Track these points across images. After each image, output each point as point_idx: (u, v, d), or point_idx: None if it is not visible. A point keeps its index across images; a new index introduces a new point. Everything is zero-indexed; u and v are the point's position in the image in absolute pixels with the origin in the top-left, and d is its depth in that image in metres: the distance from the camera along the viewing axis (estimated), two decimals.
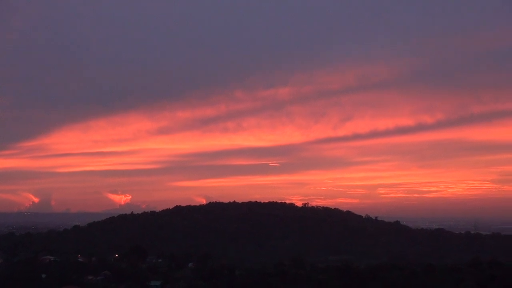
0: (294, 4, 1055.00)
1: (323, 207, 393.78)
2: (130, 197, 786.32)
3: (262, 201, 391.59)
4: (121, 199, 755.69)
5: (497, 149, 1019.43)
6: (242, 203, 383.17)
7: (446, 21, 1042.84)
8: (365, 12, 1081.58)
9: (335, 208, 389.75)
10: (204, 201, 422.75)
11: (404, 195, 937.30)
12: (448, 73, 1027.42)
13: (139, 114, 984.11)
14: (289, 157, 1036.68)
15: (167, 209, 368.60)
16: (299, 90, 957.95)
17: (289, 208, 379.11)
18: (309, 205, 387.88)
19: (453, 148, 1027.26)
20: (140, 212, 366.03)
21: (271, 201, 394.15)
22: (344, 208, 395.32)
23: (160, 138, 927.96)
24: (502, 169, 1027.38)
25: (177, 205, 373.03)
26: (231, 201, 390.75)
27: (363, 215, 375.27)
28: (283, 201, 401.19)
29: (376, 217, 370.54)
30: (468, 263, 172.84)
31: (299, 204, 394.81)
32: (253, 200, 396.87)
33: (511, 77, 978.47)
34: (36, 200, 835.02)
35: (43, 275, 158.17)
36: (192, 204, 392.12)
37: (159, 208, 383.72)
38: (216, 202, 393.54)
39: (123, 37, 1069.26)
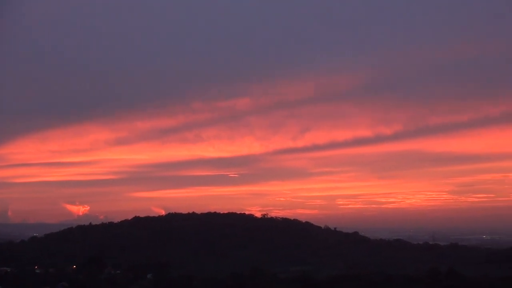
0: (253, 15, 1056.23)
1: (282, 218, 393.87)
2: (88, 208, 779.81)
3: (221, 212, 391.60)
4: (79, 210, 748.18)
5: (454, 160, 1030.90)
6: (201, 214, 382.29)
7: (403, 34, 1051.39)
8: (324, 25, 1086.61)
9: (294, 219, 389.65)
10: (163, 212, 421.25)
11: (363, 206, 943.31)
12: (405, 85, 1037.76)
13: (97, 124, 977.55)
14: (248, 168, 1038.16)
15: (125, 220, 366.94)
16: (258, 101, 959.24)
17: (248, 219, 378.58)
18: (268, 216, 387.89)
19: (411, 159, 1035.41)
20: (98, 223, 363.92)
21: (230, 212, 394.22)
22: (303, 219, 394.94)
23: (119, 148, 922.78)
24: (458, 180, 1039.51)
25: (135, 216, 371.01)
26: (190, 212, 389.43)
27: (322, 226, 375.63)
28: (242, 212, 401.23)
29: (335, 228, 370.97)
30: (426, 273, 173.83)
31: (258, 215, 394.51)
32: (212, 211, 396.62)
33: (466, 89, 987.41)
34: None
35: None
36: (151, 215, 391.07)
37: (117, 219, 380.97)
38: (175, 213, 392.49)
39: (81, 46, 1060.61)
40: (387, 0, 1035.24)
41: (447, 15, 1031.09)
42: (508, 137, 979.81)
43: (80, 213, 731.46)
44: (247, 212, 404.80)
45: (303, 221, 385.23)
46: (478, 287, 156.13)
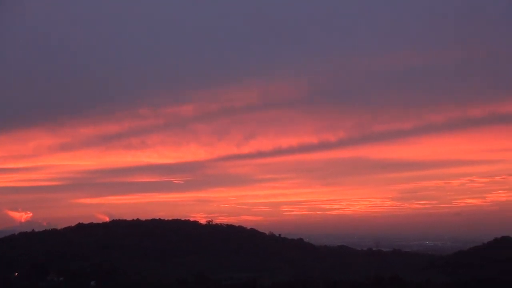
0: (199, 21, 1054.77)
1: (227, 224, 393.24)
2: (31, 214, 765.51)
3: (166, 219, 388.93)
4: (21, 217, 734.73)
5: (398, 167, 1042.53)
6: (146, 220, 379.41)
7: (348, 42, 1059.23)
8: (269, 31, 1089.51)
9: (239, 226, 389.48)
10: (107, 219, 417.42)
11: (308, 212, 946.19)
12: (349, 92, 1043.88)
13: (40, 130, 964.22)
14: (193, 174, 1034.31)
15: (69, 226, 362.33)
16: (203, 108, 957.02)
17: (193, 225, 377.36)
18: (213, 223, 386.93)
19: (355, 166, 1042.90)
20: (41, 230, 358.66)
21: (175, 218, 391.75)
22: (248, 225, 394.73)
23: (62, 154, 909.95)
24: (402, 187, 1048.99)
25: (79, 223, 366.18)
26: (135, 218, 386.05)
27: (267, 232, 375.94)
28: (187, 219, 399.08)
29: (280, 234, 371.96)
30: (370, 279, 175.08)
31: (203, 221, 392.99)
32: (156, 217, 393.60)
33: (410, 97, 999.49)
34: None
35: None
36: (95, 221, 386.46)
37: (61, 225, 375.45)
38: (119, 219, 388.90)
39: (23, 51, 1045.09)
40: (332, 8, 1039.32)
41: (392, 24, 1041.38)
42: (450, 144, 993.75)
43: (23, 220, 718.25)
44: (192, 219, 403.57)
45: (248, 228, 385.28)
46: None
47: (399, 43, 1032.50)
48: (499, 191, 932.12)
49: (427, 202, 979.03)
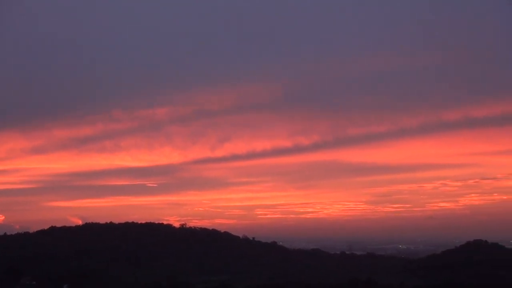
0: (173, 24, 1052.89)
1: (200, 227, 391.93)
2: (3, 217, 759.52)
3: (139, 222, 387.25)
4: None
5: (371, 170, 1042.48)
6: (119, 223, 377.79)
7: (322, 45, 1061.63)
8: (244, 34, 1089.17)
9: (213, 229, 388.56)
10: (80, 222, 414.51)
11: (281, 216, 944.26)
12: (324, 95, 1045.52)
13: (13, 132, 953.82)
14: (167, 178, 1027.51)
15: (42, 229, 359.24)
16: (177, 111, 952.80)
17: (166, 228, 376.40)
18: (187, 226, 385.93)
19: (329, 169, 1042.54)
20: (14, 233, 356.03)
21: (149, 221, 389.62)
22: (221, 228, 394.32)
23: (35, 157, 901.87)
24: (376, 190, 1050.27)
25: (52, 226, 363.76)
26: (108, 221, 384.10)
27: (241, 236, 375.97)
28: (160, 222, 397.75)
29: (253, 238, 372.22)
30: (344, 282, 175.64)
31: (176, 224, 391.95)
32: (130, 220, 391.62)
33: (384, 101, 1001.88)
34: None
35: None
36: (68, 224, 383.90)
37: (33, 228, 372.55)
38: (92, 222, 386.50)
39: None
40: (306, 11, 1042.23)
41: (366, 28, 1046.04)
42: (424, 148, 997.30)
43: None
44: (165, 222, 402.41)
45: (222, 231, 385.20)
46: None
47: (374, 47, 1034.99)
48: (472, 195, 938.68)
49: (401, 205, 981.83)
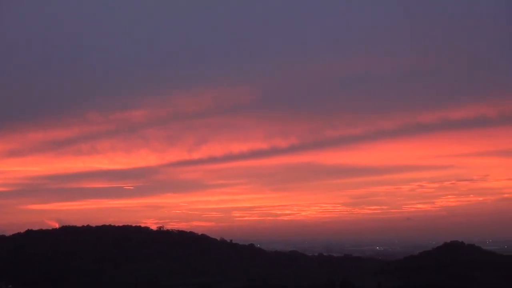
0: (150, 25, 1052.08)
1: (178, 230, 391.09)
2: None
3: (116, 225, 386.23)
4: None
5: (348, 172, 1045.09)
6: (96, 226, 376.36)
7: (299, 47, 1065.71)
8: (219, 36, 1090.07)
9: (190, 231, 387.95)
10: (56, 225, 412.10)
11: (259, 218, 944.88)
12: (301, 97, 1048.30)
13: None
14: (144, 180, 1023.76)
15: (18, 233, 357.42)
16: (154, 113, 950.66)
17: (144, 231, 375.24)
18: (164, 229, 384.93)
19: (306, 171, 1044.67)
20: None
21: (126, 224, 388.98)
22: (199, 231, 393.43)
23: (11, 160, 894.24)
24: (353, 192, 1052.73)
25: (28, 229, 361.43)
26: (85, 224, 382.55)
27: (218, 238, 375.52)
28: (138, 225, 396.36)
29: (231, 240, 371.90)
30: (321, 284, 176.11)
31: (154, 227, 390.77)
32: (107, 223, 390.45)
33: (361, 103, 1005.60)
34: None
35: None
36: (45, 227, 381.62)
37: (9, 232, 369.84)
38: (69, 226, 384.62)
39: None
40: (282, 13, 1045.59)
41: (343, 30, 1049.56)
42: (400, 150, 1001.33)
43: None
44: (143, 225, 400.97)
45: (199, 234, 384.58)
46: None
47: (350, 48, 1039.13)
48: (448, 196, 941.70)
49: (378, 207, 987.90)
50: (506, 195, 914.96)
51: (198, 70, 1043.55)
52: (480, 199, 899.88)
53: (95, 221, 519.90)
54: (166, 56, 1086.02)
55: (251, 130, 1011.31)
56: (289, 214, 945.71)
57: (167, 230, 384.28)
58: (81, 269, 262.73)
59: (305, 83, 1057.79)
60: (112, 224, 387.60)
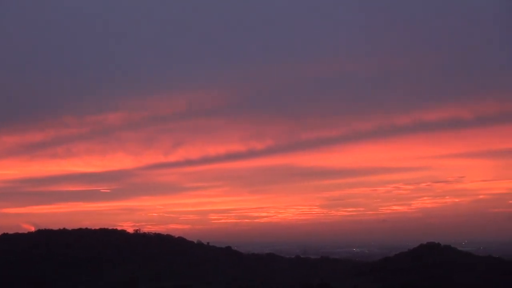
0: (125, 28, 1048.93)
1: (154, 233, 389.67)
2: None
3: (93, 228, 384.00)
4: None
5: (325, 174, 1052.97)
6: (72, 230, 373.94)
7: (275, 49, 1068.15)
8: (195, 38, 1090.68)
9: (167, 234, 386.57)
10: (32, 229, 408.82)
11: (236, 220, 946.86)
12: (277, 100, 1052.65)
13: None
14: (120, 183, 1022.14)
15: None
16: (130, 116, 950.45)
17: (120, 234, 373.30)
18: (141, 232, 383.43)
19: (283, 174, 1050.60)
20: None
21: (102, 227, 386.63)
22: (176, 234, 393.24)
23: None
24: (329, 194, 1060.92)
25: (4, 233, 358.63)
26: (61, 228, 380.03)
27: (195, 241, 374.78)
28: (114, 228, 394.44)
29: (208, 243, 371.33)
30: (298, 286, 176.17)
31: (130, 230, 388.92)
32: (83, 226, 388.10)
33: (338, 105, 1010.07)
34: None
35: None
36: (20, 231, 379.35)
37: None
38: (45, 229, 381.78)
39: None
40: (257, 16, 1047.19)
41: (319, 31, 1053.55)
42: (377, 152, 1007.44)
43: None
44: (119, 228, 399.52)
45: (176, 236, 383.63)
46: None
47: (326, 50, 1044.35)
48: (424, 198, 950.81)
49: (354, 209, 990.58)
50: (481, 197, 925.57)
51: (173, 72, 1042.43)
52: (456, 200, 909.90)
53: (71, 225, 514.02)
54: (140, 59, 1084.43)
55: (227, 133, 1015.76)
56: (266, 217, 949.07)
57: (144, 233, 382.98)
58: (57, 272, 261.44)
59: (280, 85, 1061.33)
60: (89, 227, 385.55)
